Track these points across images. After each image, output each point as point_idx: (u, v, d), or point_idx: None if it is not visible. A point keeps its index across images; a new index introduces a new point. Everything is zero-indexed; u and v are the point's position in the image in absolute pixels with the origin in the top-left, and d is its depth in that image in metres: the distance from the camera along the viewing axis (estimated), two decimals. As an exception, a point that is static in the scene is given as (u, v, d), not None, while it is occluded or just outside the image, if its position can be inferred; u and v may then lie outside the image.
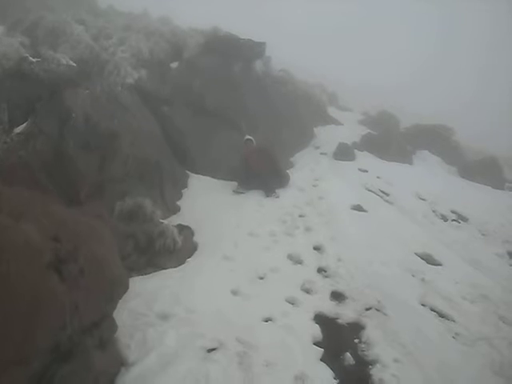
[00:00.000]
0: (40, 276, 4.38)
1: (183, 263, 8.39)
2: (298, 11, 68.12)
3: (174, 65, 15.21)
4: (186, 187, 11.78)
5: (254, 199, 11.80)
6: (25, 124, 8.97)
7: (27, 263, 4.31)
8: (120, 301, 5.88)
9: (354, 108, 27.57)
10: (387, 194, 13.88)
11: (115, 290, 5.58)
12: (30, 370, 4.28)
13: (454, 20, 69.17)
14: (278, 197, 12.27)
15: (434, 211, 13.50)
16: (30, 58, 10.18)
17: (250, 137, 13.42)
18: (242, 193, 12.28)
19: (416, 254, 10.05)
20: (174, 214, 10.33)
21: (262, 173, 12.62)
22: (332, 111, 23.49)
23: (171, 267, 8.12)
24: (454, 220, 13.28)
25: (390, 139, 19.77)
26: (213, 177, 12.68)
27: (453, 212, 13.79)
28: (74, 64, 11.15)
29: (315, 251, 9.45)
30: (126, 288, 5.90)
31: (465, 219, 13.52)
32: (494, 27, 64.43)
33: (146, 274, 7.73)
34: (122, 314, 6.17)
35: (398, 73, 50.81)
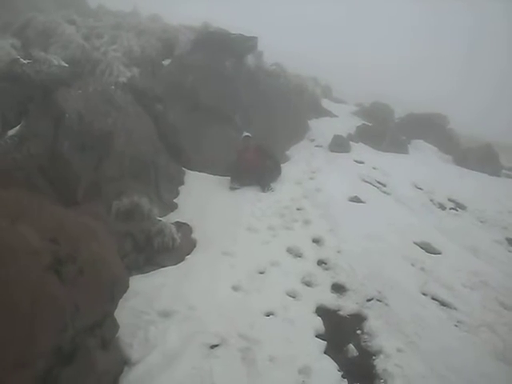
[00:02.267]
0: (39, 278, 4.37)
1: (182, 260, 8.37)
2: (290, 11, 68.22)
3: (166, 62, 15.19)
4: (183, 184, 11.74)
5: (250, 194, 11.77)
6: (18, 126, 8.92)
7: (26, 266, 4.30)
8: (121, 300, 5.87)
9: (348, 100, 27.54)
10: (384, 185, 13.87)
11: (115, 290, 5.57)
12: (33, 372, 4.27)
13: (442, 16, 69.45)
14: (273, 191, 12.33)
15: (431, 200, 13.50)
16: (22, 60, 10.14)
17: (248, 133, 13.36)
18: (237, 188, 12.26)
19: (415, 243, 10.06)
20: (172, 211, 10.30)
21: (259, 168, 12.64)
22: (326, 103, 23.42)
23: (170, 265, 8.11)
24: (451, 208, 13.28)
25: (384, 130, 19.77)
26: (209, 173, 12.64)
27: (450, 200, 13.79)
28: (66, 64, 11.12)
29: (314, 244, 9.45)
30: (126, 287, 5.89)
31: (462, 207, 13.52)
32: (482, 23, 64.78)
33: (145, 273, 7.72)
34: (123, 313, 6.16)
35: (387, 63, 50.96)
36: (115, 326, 5.83)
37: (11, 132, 8.79)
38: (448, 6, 64.74)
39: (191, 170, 12.55)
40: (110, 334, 5.65)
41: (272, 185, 12.59)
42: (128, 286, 5.97)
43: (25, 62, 10.12)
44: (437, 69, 54.43)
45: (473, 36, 63.52)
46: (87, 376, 4.94)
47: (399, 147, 18.98)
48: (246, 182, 12.56)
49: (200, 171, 12.63)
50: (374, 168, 15.41)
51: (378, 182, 13.97)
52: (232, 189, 12.21)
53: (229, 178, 12.32)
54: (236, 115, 14.54)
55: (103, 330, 5.43)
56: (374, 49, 57.00)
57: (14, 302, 4.11)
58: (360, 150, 17.58)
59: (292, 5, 67.07)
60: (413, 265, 9.08)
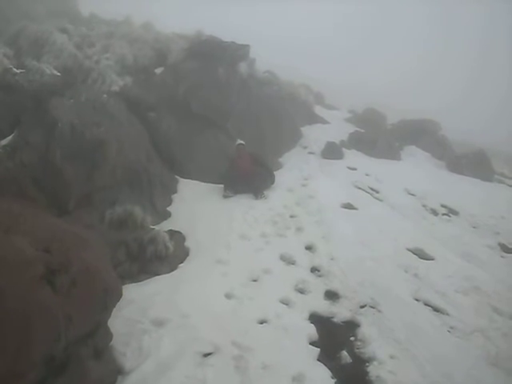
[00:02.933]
0: (32, 288, 4.37)
1: (176, 269, 8.37)
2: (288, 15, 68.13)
3: (159, 71, 15.19)
4: (176, 192, 11.75)
5: (243, 201, 11.76)
6: (11, 136, 8.94)
7: (19, 276, 4.30)
8: (114, 309, 5.87)
9: (340, 107, 27.59)
10: (377, 191, 13.91)
11: (109, 299, 5.56)
12: (26, 382, 4.27)
13: (446, 21, 69.52)
14: (266, 198, 12.27)
15: (424, 206, 13.53)
16: (14, 69, 10.17)
17: (241, 141, 13.34)
18: (230, 196, 12.21)
19: (408, 249, 10.08)
20: (165, 219, 10.30)
21: (252, 176, 12.59)
22: (319, 110, 23.45)
23: (164, 273, 8.10)
24: (444, 214, 13.30)
25: (377, 136, 19.79)
26: (202, 181, 12.64)
27: (443, 206, 13.82)
28: (58, 73, 11.16)
29: (307, 251, 9.47)
30: (119, 296, 5.89)
31: (455, 213, 13.55)
32: (486, 29, 64.88)
33: (138, 281, 7.71)
34: (117, 322, 6.16)
35: (388, 72, 51.04)
36: (108, 335, 5.83)
37: (4, 142, 8.81)
38: (460, 7, 64.77)
39: (184, 177, 12.56)
40: (104, 343, 5.65)
41: (265, 192, 12.49)
42: (121, 295, 5.96)
43: (17, 71, 10.16)
44: (445, 77, 54.49)
45: (484, 39, 63.69)
46: (80, 385, 4.94)
47: (392, 153, 19.03)
48: (239, 189, 12.47)
49: (193, 179, 12.63)
50: (367, 174, 15.45)
51: (371, 189, 14.00)
52: (225, 197, 12.14)
53: (221, 185, 12.31)
54: (228, 123, 14.57)
55: (96, 339, 5.43)
56: (381, 61, 57.03)
57: (6, 313, 4.11)
58: (353, 156, 17.62)
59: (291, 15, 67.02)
60: (406, 271, 9.10)
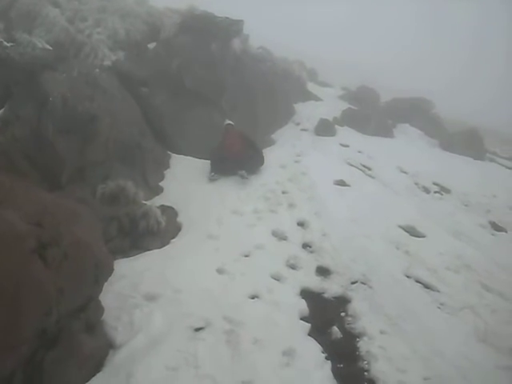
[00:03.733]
0: (24, 262, 4.38)
1: (168, 244, 8.40)
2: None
3: (152, 45, 15.06)
4: (168, 168, 11.72)
5: (235, 179, 11.72)
6: (2, 110, 8.88)
7: (10, 250, 4.30)
8: (105, 284, 5.90)
9: (333, 84, 27.49)
10: (369, 169, 13.92)
11: (100, 273, 5.58)
12: (18, 355, 4.30)
13: (445, 14, 69.28)
14: (248, 179, 11.86)
15: (416, 184, 13.57)
16: (5, 43, 10.06)
17: (230, 122, 13.30)
18: (215, 179, 11.78)
19: (399, 226, 10.12)
20: (157, 194, 10.29)
21: (240, 156, 12.20)
22: (312, 87, 23.38)
23: (155, 248, 8.12)
24: (436, 192, 13.34)
25: (370, 114, 19.78)
26: (194, 156, 12.59)
27: (435, 184, 13.86)
28: (50, 47, 11.05)
29: (299, 227, 9.50)
30: (110, 271, 5.91)
31: (447, 191, 13.60)
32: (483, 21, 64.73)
33: (130, 256, 7.74)
34: (108, 296, 6.17)
35: (382, 53, 50.87)
36: (100, 310, 5.85)
37: (-5, 116, 8.75)
38: (451, 5, 64.59)
39: (177, 153, 12.52)
40: (95, 317, 5.68)
41: (252, 176, 12.08)
42: (113, 270, 5.98)
43: (8, 44, 10.05)
44: (439, 64, 54.35)
45: (476, 32, 63.49)
46: (72, 359, 4.97)
47: (385, 131, 19.03)
48: (226, 171, 12.06)
49: (185, 155, 12.60)
50: (360, 152, 15.44)
51: (363, 166, 14.01)
52: (211, 180, 11.76)
53: (214, 161, 12.31)
54: (221, 99, 14.48)
55: (88, 313, 5.46)
56: (375, 46, 56.65)
57: (-3, 286, 4.12)
58: (345, 133, 17.58)
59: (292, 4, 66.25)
60: (397, 248, 9.16)
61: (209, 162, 11.95)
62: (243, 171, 11.88)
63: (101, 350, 5.51)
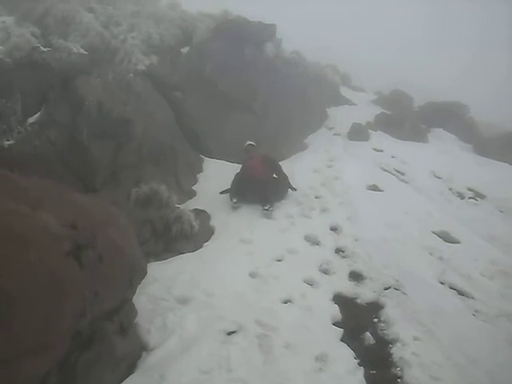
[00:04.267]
0: (60, 264, 4.42)
1: (200, 247, 8.43)
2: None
3: (185, 50, 15.16)
4: (201, 171, 11.79)
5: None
6: (38, 114, 9.00)
7: (47, 251, 4.35)
8: (139, 286, 5.93)
9: (366, 88, 27.33)
10: (402, 173, 13.81)
11: (134, 276, 5.62)
12: (53, 356, 4.33)
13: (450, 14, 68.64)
14: (272, 210, 10.18)
15: (450, 189, 13.42)
16: (42, 48, 10.22)
17: (251, 142, 12.13)
18: (238, 207, 10.34)
19: (433, 232, 10.01)
20: (190, 198, 10.36)
21: (263, 182, 10.61)
22: (345, 91, 23.29)
23: (188, 251, 8.16)
24: (470, 197, 13.17)
25: (403, 118, 19.61)
26: (227, 160, 12.64)
27: (469, 189, 13.69)
28: (85, 52, 11.20)
29: (332, 232, 9.44)
30: (144, 273, 5.94)
31: (482, 196, 13.42)
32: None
33: (163, 259, 7.80)
34: (142, 299, 6.22)
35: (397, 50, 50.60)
36: (133, 312, 5.89)
37: (31, 119, 8.88)
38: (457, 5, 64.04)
39: (210, 157, 12.60)
40: (129, 319, 5.71)
41: (275, 205, 10.44)
42: (146, 273, 6.01)
43: (45, 49, 10.20)
44: (442, 63, 53.83)
45: (481, 33, 62.79)
46: (105, 360, 5.00)
47: (418, 136, 18.84)
48: (247, 196, 10.59)
49: (218, 158, 12.67)
50: (393, 156, 15.33)
51: (397, 171, 13.90)
52: (233, 208, 10.32)
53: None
54: (254, 103, 14.52)
55: (121, 315, 5.49)
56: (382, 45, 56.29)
57: (35, 287, 4.16)
58: (379, 138, 17.46)
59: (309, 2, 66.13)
60: (431, 254, 9.05)
61: (241, 165, 11.86)
62: (267, 206, 10.11)
63: (134, 353, 5.55)
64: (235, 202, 10.31)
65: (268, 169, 11.13)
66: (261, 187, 10.47)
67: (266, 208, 10.05)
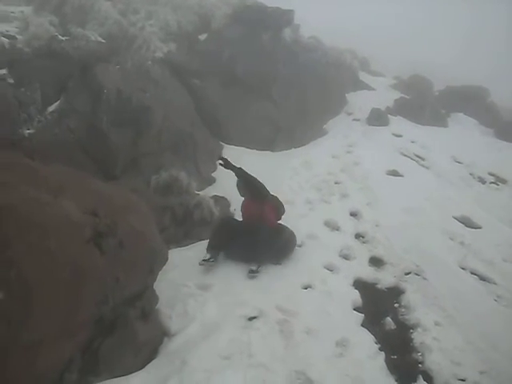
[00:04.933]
0: (81, 251, 4.45)
1: (220, 234, 8.42)
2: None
3: (203, 37, 15.18)
4: (221, 158, 11.78)
5: (289, 168, 11.68)
6: (58, 102, 9.05)
7: (68, 238, 4.37)
8: (160, 272, 5.95)
9: (385, 73, 27.12)
10: (423, 158, 13.71)
11: (155, 262, 5.65)
12: (75, 342, 4.38)
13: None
14: (258, 274, 7.06)
15: (470, 174, 13.31)
16: (60, 37, 10.28)
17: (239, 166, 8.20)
18: (209, 262, 7.09)
19: (454, 217, 9.96)
20: (210, 185, 10.37)
21: (256, 228, 7.49)
22: (363, 76, 23.11)
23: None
24: (492, 182, 13.06)
25: (423, 103, 19.42)
26: (246, 147, 12.64)
27: (490, 174, 13.56)
28: (103, 40, 11.23)
29: (352, 217, 9.45)
30: (165, 260, 5.97)
31: (503, 181, 13.28)
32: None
33: (184, 246, 7.83)
34: (163, 285, 6.23)
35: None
36: (155, 298, 5.92)
37: (51, 108, 8.94)
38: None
39: (228, 143, 12.58)
40: (150, 305, 5.74)
41: (261, 268, 7.21)
42: (167, 259, 6.04)
43: (63, 38, 10.25)
44: (463, 46, 53.04)
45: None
46: (128, 346, 5.04)
47: (438, 120, 18.68)
48: (232, 247, 7.53)
49: (237, 145, 12.65)
50: (413, 141, 15.22)
51: (417, 156, 13.81)
52: (201, 264, 7.05)
53: (267, 151, 12.19)
54: (272, 89, 14.48)
55: (143, 301, 5.52)
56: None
57: (56, 274, 4.19)
58: (398, 123, 17.34)
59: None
60: (452, 239, 9.00)
61: (260, 151, 11.74)
62: (255, 266, 7.10)
63: (156, 338, 5.58)
64: (209, 259, 7.11)
65: (266, 211, 7.92)
66: (253, 241, 7.32)
67: (255, 271, 7.07)
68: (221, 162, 7.98)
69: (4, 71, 9.21)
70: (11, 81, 9.05)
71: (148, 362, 5.23)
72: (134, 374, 4.96)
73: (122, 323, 5.04)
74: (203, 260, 7.03)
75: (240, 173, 8.02)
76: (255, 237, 7.30)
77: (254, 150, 12.39)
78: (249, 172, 8.10)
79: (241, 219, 8.23)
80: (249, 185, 8.01)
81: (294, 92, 15.16)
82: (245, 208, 8.19)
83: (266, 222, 7.69)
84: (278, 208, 8.21)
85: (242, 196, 8.31)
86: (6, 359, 3.91)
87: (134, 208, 5.64)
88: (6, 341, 3.88)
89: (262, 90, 14.19)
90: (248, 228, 7.57)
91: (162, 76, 11.29)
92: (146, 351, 5.34)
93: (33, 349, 4.02)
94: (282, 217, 8.32)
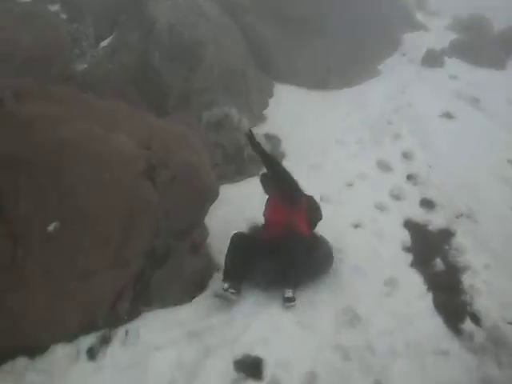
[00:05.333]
0: (134, 184, 4.53)
1: (271, 171, 8.43)
2: None
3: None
4: (272, 96, 11.68)
5: (343, 107, 11.57)
6: (110, 38, 9.08)
7: (122, 171, 4.46)
8: (211, 208, 6.01)
9: (442, 12, 26.32)
10: (478, 101, 13.36)
11: (206, 197, 5.71)
12: (129, 271, 4.50)
13: None
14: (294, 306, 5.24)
15: (528, 118, 12.94)
16: (112, -29, 10.21)
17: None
18: (230, 297, 5.14)
19: (508, 160, 9.73)
20: (261, 123, 10.32)
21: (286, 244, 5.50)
22: (419, 16, 22.50)
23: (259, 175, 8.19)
24: (552, 126, 12.67)
25: (481, 44, 18.79)
26: (298, 85, 12.46)
27: (551, 117, 13.15)
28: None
29: (404, 158, 9.31)
30: (216, 195, 6.01)
31: (560, 125, 12.90)
32: None
33: (235, 182, 7.89)
34: (213, 221, 6.32)
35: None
36: (205, 233, 6.01)
37: (104, 43, 8.98)
38: None
39: (280, 82, 12.44)
40: (200, 240, 5.84)
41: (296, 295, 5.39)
42: (218, 194, 6.08)
43: (115, -28, 10.18)
44: None
45: None
46: (178, 278, 5.19)
47: (497, 63, 18.07)
48: (254, 271, 5.69)
49: (289, 84, 12.48)
50: (468, 84, 14.79)
51: (472, 98, 13.46)
52: (217, 296, 5.16)
53: (319, 90, 12.00)
54: (326, 26, 14.21)
55: (194, 236, 5.61)
56: None
57: (111, 206, 4.29)
58: (454, 64, 16.83)
59: None
60: (506, 183, 8.83)
61: (312, 90, 11.51)
62: (289, 291, 5.29)
63: (205, 272, 5.69)
64: (227, 289, 5.17)
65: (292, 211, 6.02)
66: (280, 261, 5.51)
67: (289, 296, 5.28)
68: (250, 134, 6.03)
69: (57, 7, 9.26)
70: (64, 16, 9.10)
71: (197, 295, 5.35)
72: (183, 305, 5.09)
73: (173, 256, 5.15)
74: (223, 290, 5.14)
75: (269, 162, 6.15)
76: (287, 255, 5.43)
77: (305, 89, 12.24)
78: (281, 163, 6.47)
79: (261, 226, 6.45)
80: (279, 183, 6.09)
81: (345, 29, 14.84)
82: (271, 212, 6.28)
83: (297, 230, 5.80)
84: (313, 215, 6.41)
85: (267, 194, 6.63)
86: (63, 287, 4.05)
87: (187, 143, 5.69)
88: (61, 264, 4.01)
89: (314, 26, 13.93)
90: (275, 245, 5.59)
91: (213, 12, 11.17)
92: (196, 284, 5.45)
93: (90, 276, 4.16)
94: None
